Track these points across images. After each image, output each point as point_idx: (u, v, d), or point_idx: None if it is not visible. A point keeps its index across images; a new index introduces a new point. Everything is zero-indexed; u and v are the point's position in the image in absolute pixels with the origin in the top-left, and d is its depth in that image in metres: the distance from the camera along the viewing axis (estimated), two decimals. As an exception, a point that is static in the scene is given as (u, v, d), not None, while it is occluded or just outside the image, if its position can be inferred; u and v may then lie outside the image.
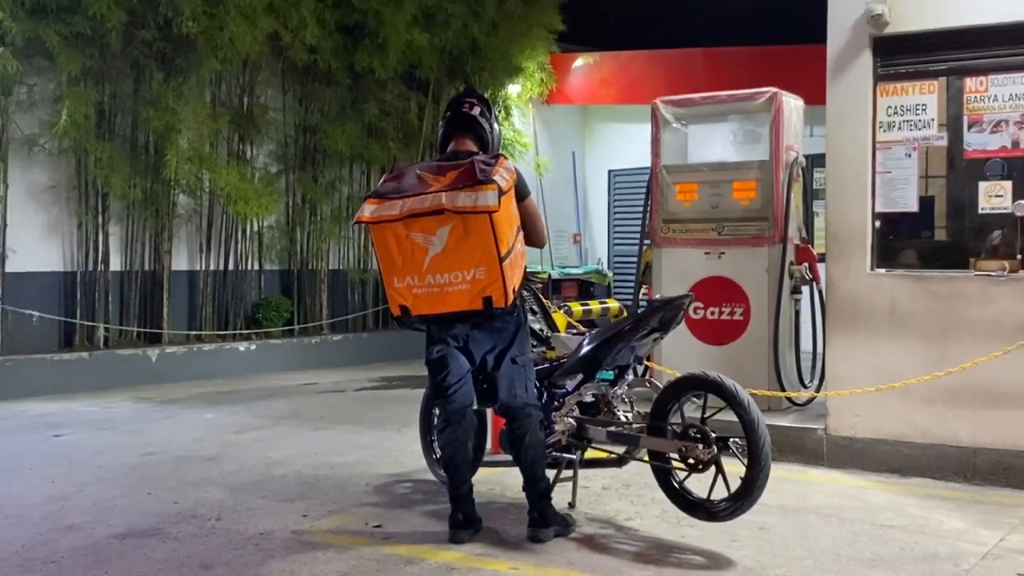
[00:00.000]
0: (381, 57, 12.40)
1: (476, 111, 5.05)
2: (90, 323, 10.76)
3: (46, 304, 10.45)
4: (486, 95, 5.22)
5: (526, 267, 4.97)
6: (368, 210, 4.69)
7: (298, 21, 11.60)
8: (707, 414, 4.97)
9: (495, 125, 5.15)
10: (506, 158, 4.84)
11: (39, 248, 10.51)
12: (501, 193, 4.47)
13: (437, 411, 5.49)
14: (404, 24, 12.41)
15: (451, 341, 4.90)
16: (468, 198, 4.48)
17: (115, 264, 11.03)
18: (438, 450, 5.43)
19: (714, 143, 8.29)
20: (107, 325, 10.87)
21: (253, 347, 11.85)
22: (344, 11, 12.15)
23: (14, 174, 10.16)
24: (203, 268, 11.87)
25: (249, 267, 12.38)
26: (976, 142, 6.28)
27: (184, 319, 11.73)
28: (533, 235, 5.03)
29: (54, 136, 10.16)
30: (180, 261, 11.69)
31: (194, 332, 11.68)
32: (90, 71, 10.38)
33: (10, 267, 10.11)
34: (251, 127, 12.15)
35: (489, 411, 5.68)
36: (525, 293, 5.42)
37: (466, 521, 4.95)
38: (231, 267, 12.14)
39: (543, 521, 4.93)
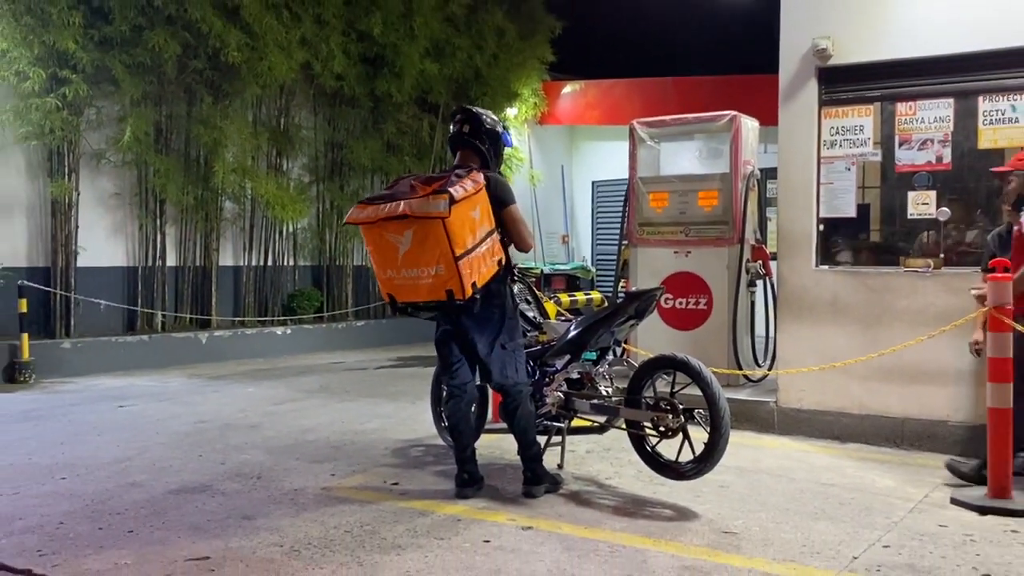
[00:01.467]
0: (398, 84, 12.42)
1: (466, 128, 5.00)
2: (149, 310, 10.76)
3: (112, 294, 10.45)
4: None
5: (504, 263, 4.86)
6: (354, 214, 4.71)
7: (327, 53, 11.61)
8: (676, 389, 4.98)
9: (488, 130, 4.98)
10: (479, 172, 4.74)
11: (106, 246, 10.51)
12: (452, 202, 4.39)
13: (444, 385, 5.51)
14: (418, 56, 12.44)
15: (449, 325, 4.92)
16: (423, 205, 4.44)
17: (171, 260, 11.03)
18: (446, 419, 5.44)
19: (682, 158, 8.29)
20: (164, 312, 10.88)
21: (289, 331, 11.84)
22: (366, 44, 12.16)
23: (84, 183, 10.15)
24: (246, 264, 11.89)
25: (285, 263, 12.38)
26: (906, 158, 6.28)
27: (230, 307, 11.73)
28: (515, 239, 4.92)
29: (119, 150, 10.18)
30: (226, 258, 11.69)
31: (238, 318, 11.68)
32: (149, 95, 10.36)
33: (81, 262, 10.10)
34: (287, 143, 12.14)
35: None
36: (519, 286, 5.42)
37: (470, 479, 4.96)
38: (270, 263, 12.13)
39: (535, 480, 4.95)
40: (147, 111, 10.27)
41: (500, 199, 4.82)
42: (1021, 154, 5.46)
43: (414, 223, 4.49)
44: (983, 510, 4.65)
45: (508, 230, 4.87)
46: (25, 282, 9.26)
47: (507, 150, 5.28)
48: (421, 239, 4.51)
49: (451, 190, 4.44)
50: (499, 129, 5.06)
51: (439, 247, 4.48)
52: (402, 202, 4.50)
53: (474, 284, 4.57)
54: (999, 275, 4.79)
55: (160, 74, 10.36)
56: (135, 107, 10.14)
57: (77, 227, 10.04)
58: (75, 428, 6.85)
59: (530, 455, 4.96)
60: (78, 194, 10.04)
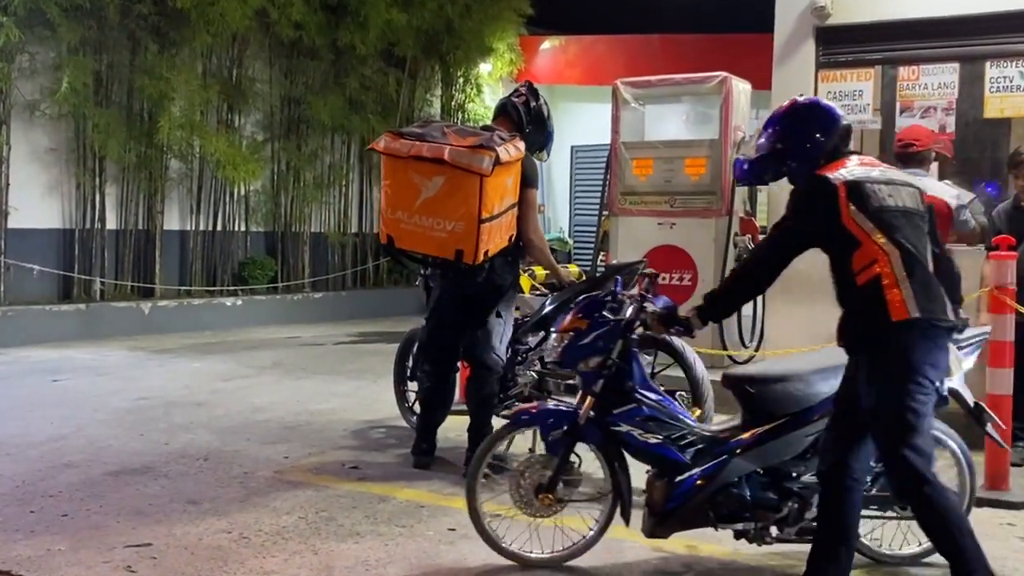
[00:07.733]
0: (362, 34, 12.30)
1: (520, 100, 5.20)
2: (87, 277, 10.66)
3: (46, 258, 10.34)
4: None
5: (514, 240, 4.96)
6: (383, 142, 4.77)
7: (285, -1, 11.49)
8: (656, 370, 5.02)
9: (537, 115, 5.25)
10: (520, 140, 4.87)
11: (40, 206, 10.38)
12: (497, 162, 4.49)
13: (410, 361, 5.53)
14: (384, 4, 12.31)
15: (455, 291, 5.00)
16: (466, 157, 4.51)
17: (111, 223, 10.91)
18: (425, 382, 5.42)
19: (669, 122, 8.32)
20: (103, 279, 10.78)
21: (239, 302, 11.79)
22: (328, -10, 12.07)
23: (16, 137, 10.01)
24: (193, 228, 11.78)
25: (236, 228, 12.28)
26: (907, 126, 6.31)
27: (175, 275, 11.65)
28: (526, 224, 4.99)
29: (55, 102, 10.01)
30: (172, 221, 11.59)
31: (184, 287, 11.59)
32: (89, 41, 10.21)
33: (12, 223, 9.97)
34: (239, 97, 12.01)
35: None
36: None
37: (429, 449, 5.14)
38: (219, 228, 12.03)
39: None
40: (86, 59, 10.11)
41: (528, 177, 4.95)
42: None
43: (449, 171, 4.56)
44: (979, 502, 4.73)
45: (522, 212, 4.96)
46: (-51, 244, 9.16)
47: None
48: (449, 191, 4.58)
49: (499, 150, 4.53)
50: (550, 125, 5.31)
51: (466, 204, 4.56)
52: (446, 148, 4.55)
53: (486, 252, 4.68)
54: (1003, 253, 4.85)
55: (101, 19, 10.18)
56: (72, 55, 9.98)
57: (7, 185, 9.89)
58: (5, 404, 6.79)
59: (480, 436, 4.98)
60: (9, 148, 9.88)
